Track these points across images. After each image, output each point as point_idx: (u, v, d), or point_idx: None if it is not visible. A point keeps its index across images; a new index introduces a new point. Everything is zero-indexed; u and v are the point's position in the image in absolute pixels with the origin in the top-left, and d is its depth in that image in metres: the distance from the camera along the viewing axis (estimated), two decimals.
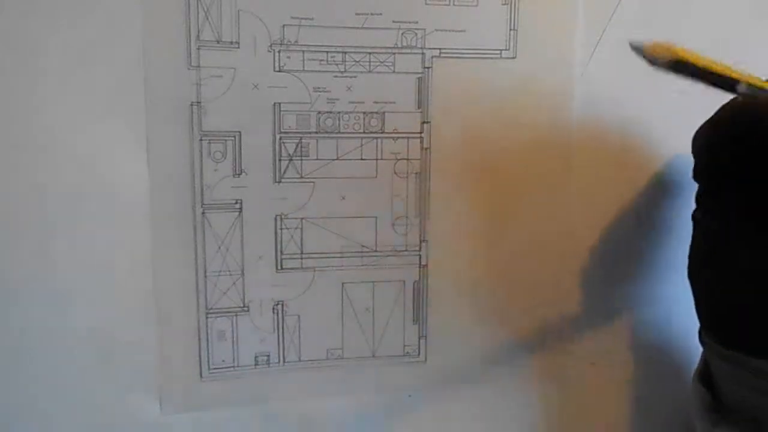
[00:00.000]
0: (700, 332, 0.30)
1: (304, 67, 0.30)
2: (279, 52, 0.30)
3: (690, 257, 0.28)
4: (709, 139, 0.27)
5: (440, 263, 0.33)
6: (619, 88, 0.34)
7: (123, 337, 0.31)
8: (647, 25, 0.33)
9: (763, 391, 0.27)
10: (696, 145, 0.28)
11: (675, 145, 0.33)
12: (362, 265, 0.33)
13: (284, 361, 0.33)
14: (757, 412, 0.28)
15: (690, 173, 0.29)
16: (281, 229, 0.32)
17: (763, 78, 0.23)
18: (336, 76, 0.31)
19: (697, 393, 0.31)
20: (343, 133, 0.31)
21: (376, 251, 0.33)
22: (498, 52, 0.32)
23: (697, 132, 0.28)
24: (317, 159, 0.31)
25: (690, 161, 0.29)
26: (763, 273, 0.26)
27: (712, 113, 0.27)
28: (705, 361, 0.31)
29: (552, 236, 0.34)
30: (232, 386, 0.32)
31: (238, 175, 0.31)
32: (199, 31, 0.29)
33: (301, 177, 0.31)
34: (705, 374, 0.31)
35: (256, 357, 0.32)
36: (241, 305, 0.32)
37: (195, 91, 0.29)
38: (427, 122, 0.32)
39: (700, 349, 0.30)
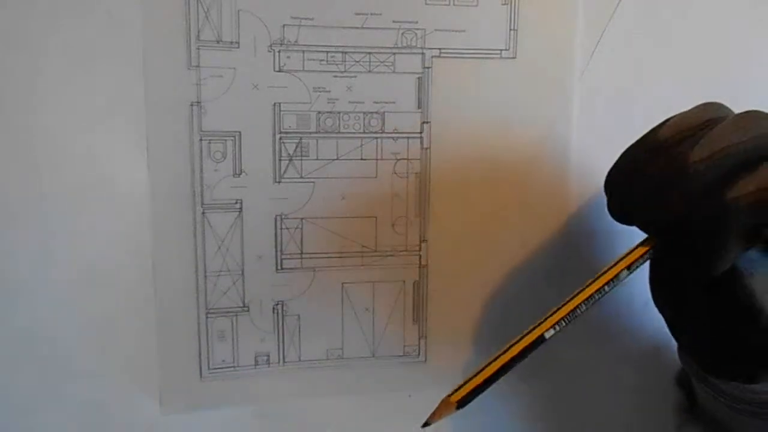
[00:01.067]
0: None
1: (304, 67, 0.30)
2: (279, 52, 0.30)
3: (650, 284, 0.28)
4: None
5: (440, 263, 0.33)
6: (619, 88, 0.34)
7: (123, 337, 0.31)
8: (647, 25, 0.33)
9: (723, 402, 0.27)
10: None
11: None
12: (362, 265, 0.33)
13: (284, 361, 0.33)
14: (721, 415, 0.29)
15: None
16: (281, 229, 0.32)
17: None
18: (336, 76, 0.31)
19: (674, 394, 0.31)
20: (343, 133, 0.31)
21: (376, 251, 0.33)
22: (498, 52, 0.32)
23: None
24: (317, 159, 0.31)
25: None
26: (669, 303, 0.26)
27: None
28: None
29: (551, 236, 0.34)
30: (232, 386, 0.32)
31: (238, 175, 0.31)
32: (199, 31, 0.29)
33: (301, 177, 0.31)
34: (683, 377, 0.31)
35: (256, 357, 0.32)
36: (241, 305, 0.32)
37: (195, 91, 0.29)
38: (427, 122, 0.32)
39: None
